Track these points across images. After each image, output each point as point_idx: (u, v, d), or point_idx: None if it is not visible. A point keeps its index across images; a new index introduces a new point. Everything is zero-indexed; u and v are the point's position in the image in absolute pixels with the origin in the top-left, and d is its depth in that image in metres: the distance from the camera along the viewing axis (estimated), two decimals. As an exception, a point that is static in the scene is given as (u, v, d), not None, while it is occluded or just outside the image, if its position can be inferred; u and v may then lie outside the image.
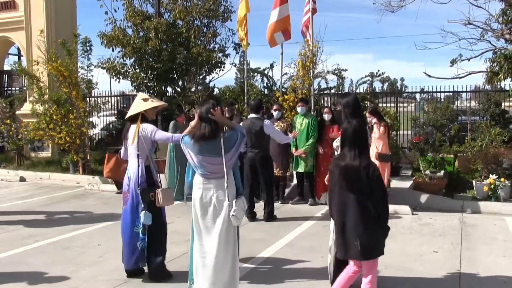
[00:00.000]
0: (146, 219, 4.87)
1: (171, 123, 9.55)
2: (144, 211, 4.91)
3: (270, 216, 7.89)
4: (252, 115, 7.80)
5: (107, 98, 16.64)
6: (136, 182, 5.02)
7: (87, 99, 14.44)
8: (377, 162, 8.43)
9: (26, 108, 14.15)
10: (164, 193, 4.94)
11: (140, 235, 5.03)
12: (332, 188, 4.07)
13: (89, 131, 13.37)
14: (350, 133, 3.97)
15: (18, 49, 17.82)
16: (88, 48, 12.68)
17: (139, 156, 5.07)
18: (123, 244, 5.22)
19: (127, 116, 5.28)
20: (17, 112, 14.85)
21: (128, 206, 5.09)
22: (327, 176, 4.34)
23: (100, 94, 16.50)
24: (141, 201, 4.95)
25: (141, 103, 5.21)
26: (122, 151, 5.41)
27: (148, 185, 5.04)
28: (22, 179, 12.48)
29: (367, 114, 8.73)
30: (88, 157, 12.75)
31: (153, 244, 5.08)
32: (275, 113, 9.14)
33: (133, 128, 5.14)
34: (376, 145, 8.34)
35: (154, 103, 5.25)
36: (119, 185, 10.63)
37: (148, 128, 5.10)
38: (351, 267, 4.14)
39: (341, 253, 4.05)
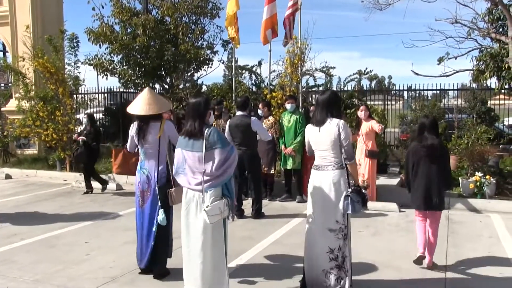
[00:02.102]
0: (162, 220, 4.89)
1: None
2: (161, 210, 4.90)
3: (258, 214, 7.90)
4: (239, 113, 7.82)
5: (94, 95, 16.53)
6: (158, 180, 5.00)
7: (74, 96, 14.31)
8: (366, 159, 8.54)
9: (12, 104, 13.99)
10: (177, 192, 4.84)
11: (154, 233, 5.04)
12: (415, 161, 5.38)
13: (76, 128, 13.26)
14: (430, 122, 5.46)
15: (3, 44, 17.59)
16: (75, 44, 12.57)
17: (160, 154, 5.04)
18: (140, 243, 5.20)
19: (147, 113, 5.03)
20: (2, 109, 14.70)
21: (148, 204, 5.04)
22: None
23: (87, 91, 16.38)
24: (159, 198, 4.93)
25: (163, 102, 5.27)
26: (129, 144, 5.33)
27: (166, 181, 5.05)
28: (8, 177, 12.36)
29: (362, 108, 8.77)
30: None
31: (161, 243, 5.09)
32: (259, 112, 9.19)
33: (155, 126, 5.06)
34: (366, 141, 8.43)
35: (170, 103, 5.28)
36: (118, 186, 10.68)
37: (172, 126, 5.18)
38: (419, 221, 5.51)
39: (423, 206, 5.37)
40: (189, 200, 4.17)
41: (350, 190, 4.42)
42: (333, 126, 4.46)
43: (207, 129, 4.13)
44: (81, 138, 9.98)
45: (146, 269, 5.21)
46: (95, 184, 10.27)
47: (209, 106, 4.35)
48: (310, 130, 4.67)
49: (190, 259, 4.17)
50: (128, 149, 5.42)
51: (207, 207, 3.98)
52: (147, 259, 5.14)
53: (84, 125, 10.37)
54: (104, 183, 10.39)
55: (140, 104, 5.03)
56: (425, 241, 5.39)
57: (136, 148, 5.27)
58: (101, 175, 10.56)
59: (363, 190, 4.54)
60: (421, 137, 5.44)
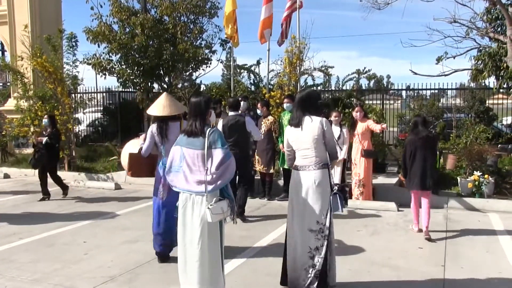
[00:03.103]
0: None
1: None
2: None
3: (241, 215, 7.79)
4: (231, 113, 7.75)
5: (93, 94, 16.52)
6: None
7: (73, 95, 14.31)
8: (361, 159, 8.55)
9: (10, 104, 13.99)
10: None
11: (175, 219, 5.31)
12: (412, 150, 6.70)
13: (74, 127, 13.26)
14: (422, 119, 6.87)
15: (2, 44, 17.57)
16: (74, 43, 12.56)
17: None
18: (157, 229, 5.62)
19: (162, 114, 5.54)
20: (0, 108, 14.68)
21: (171, 195, 5.28)
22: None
23: (85, 90, 16.37)
24: None
25: (179, 105, 5.79)
26: (146, 147, 5.64)
27: None
28: (6, 176, 12.35)
29: (358, 109, 8.77)
30: (73, 154, 12.66)
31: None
32: (258, 111, 9.19)
33: (175, 125, 5.58)
34: (361, 141, 8.47)
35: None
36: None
37: None
38: (415, 201, 6.91)
39: (417, 187, 6.70)
40: (186, 199, 4.16)
41: (336, 188, 4.44)
42: (316, 124, 4.41)
43: (209, 129, 4.15)
44: (44, 139, 9.41)
45: (162, 253, 5.67)
46: (94, 183, 10.25)
47: (210, 105, 4.39)
48: (290, 130, 4.60)
49: (186, 259, 4.16)
50: (144, 153, 5.71)
51: (210, 205, 3.98)
52: (166, 243, 5.61)
53: (44, 126, 9.78)
54: (65, 188, 9.87)
55: (158, 106, 5.58)
56: (419, 217, 6.87)
57: (150, 151, 5.68)
58: (99, 175, 10.55)
59: (346, 188, 4.58)
60: (416, 130, 6.79)
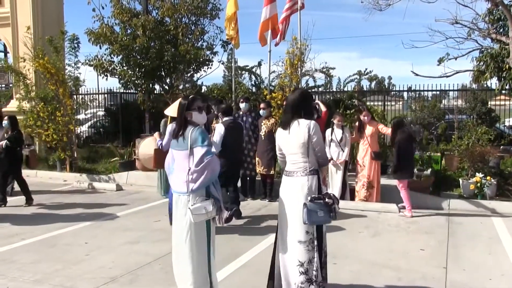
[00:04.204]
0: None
1: (163, 121, 9.37)
2: None
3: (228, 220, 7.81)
4: (226, 118, 7.69)
5: (94, 95, 16.53)
6: None
7: (75, 96, 14.32)
8: (370, 161, 8.58)
9: (13, 105, 13.99)
10: None
11: None
12: (404, 147, 8.03)
13: (76, 128, 13.27)
14: (401, 121, 8.66)
15: (4, 45, 17.59)
16: (76, 45, 12.57)
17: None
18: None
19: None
20: (3, 109, 14.66)
21: None
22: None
23: (87, 91, 16.39)
24: None
25: None
26: (166, 142, 5.87)
27: None
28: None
29: (365, 113, 8.82)
30: (75, 155, 12.67)
31: None
32: (261, 112, 9.18)
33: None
34: (371, 144, 8.59)
35: None
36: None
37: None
38: (407, 188, 8.10)
39: (412, 176, 8.56)
40: (175, 200, 4.14)
41: (309, 198, 4.02)
42: (303, 128, 4.14)
43: (192, 128, 4.13)
44: (3, 143, 8.80)
45: None
46: (96, 185, 10.22)
47: (191, 106, 4.29)
48: (280, 134, 4.35)
49: (178, 260, 4.16)
50: (164, 147, 5.96)
51: (192, 205, 3.94)
52: None
53: (4, 129, 9.07)
54: (29, 198, 9.16)
55: (175, 108, 5.66)
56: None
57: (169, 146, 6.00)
58: (101, 176, 10.51)
59: (327, 199, 4.04)
60: (402, 130, 8.20)
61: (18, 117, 12.76)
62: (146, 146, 7.48)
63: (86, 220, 7.85)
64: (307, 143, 4.14)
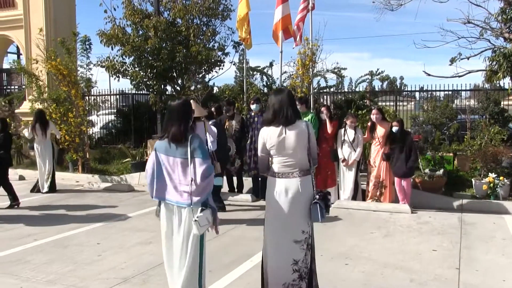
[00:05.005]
0: (218, 181, 6.04)
1: None
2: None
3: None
4: (210, 122, 8.10)
5: (106, 96, 16.62)
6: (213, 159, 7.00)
7: (86, 97, 14.42)
8: (382, 162, 8.58)
9: (25, 106, 14.12)
10: (217, 165, 7.15)
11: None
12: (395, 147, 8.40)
13: (88, 129, 13.36)
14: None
15: (17, 47, 17.82)
16: (88, 46, 12.64)
17: (205, 142, 6.83)
18: None
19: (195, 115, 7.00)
20: (16, 111, 14.83)
21: None
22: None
23: (99, 92, 16.48)
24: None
25: (202, 109, 7.41)
26: None
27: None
28: (21, 178, 12.46)
29: (375, 111, 8.82)
30: (87, 156, 12.75)
31: (215, 197, 6.75)
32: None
33: (200, 124, 7.13)
34: (382, 144, 8.65)
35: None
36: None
37: (209, 125, 7.77)
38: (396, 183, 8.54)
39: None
40: (172, 210, 3.99)
41: (317, 196, 4.06)
42: (302, 127, 4.08)
43: (191, 136, 3.93)
44: None
45: None
46: (108, 185, 10.30)
47: (192, 108, 4.22)
48: (270, 133, 4.11)
49: (173, 272, 4.06)
50: None
51: (197, 217, 3.79)
52: None
53: None
54: (14, 199, 9.06)
55: (200, 109, 7.10)
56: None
57: None
58: (113, 177, 10.56)
59: (328, 196, 4.26)
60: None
61: (30, 119, 12.92)
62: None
63: (98, 221, 7.91)
64: (305, 143, 4.08)
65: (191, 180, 3.82)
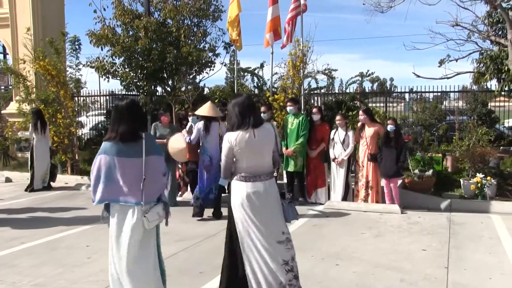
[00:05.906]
0: (223, 182, 5.95)
1: (152, 126, 9.19)
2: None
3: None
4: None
5: (96, 97, 16.53)
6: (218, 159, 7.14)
7: (76, 98, 14.32)
8: (369, 162, 8.62)
9: (12, 107, 14.00)
10: None
11: (214, 190, 7.92)
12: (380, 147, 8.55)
13: (77, 130, 13.27)
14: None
15: (3, 47, 17.58)
16: (77, 47, 12.59)
17: (219, 142, 7.48)
18: (205, 195, 7.91)
19: (210, 115, 7.88)
20: (2, 112, 14.71)
21: (212, 174, 7.82)
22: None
23: (89, 93, 16.37)
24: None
25: (217, 110, 8.13)
26: (194, 137, 7.93)
27: None
28: (8, 180, 12.32)
29: (360, 112, 8.89)
30: (76, 157, 12.68)
31: (219, 195, 8.04)
32: (262, 115, 9.17)
33: (215, 125, 7.93)
34: (369, 145, 8.67)
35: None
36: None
37: (223, 125, 7.88)
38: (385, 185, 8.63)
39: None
40: (125, 210, 3.86)
41: (289, 195, 4.16)
42: (270, 131, 4.15)
43: (145, 134, 3.87)
44: None
45: (200, 212, 7.95)
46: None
47: (141, 108, 4.15)
48: (239, 137, 4.03)
49: (122, 273, 3.92)
50: (192, 141, 7.93)
51: (146, 212, 3.76)
52: (206, 203, 7.93)
53: None
54: None
55: (205, 109, 7.84)
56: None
57: (197, 140, 7.97)
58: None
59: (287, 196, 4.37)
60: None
61: (17, 120, 12.81)
62: (174, 142, 7.89)
63: (88, 223, 7.82)
64: (273, 145, 4.19)
65: (144, 179, 3.75)
